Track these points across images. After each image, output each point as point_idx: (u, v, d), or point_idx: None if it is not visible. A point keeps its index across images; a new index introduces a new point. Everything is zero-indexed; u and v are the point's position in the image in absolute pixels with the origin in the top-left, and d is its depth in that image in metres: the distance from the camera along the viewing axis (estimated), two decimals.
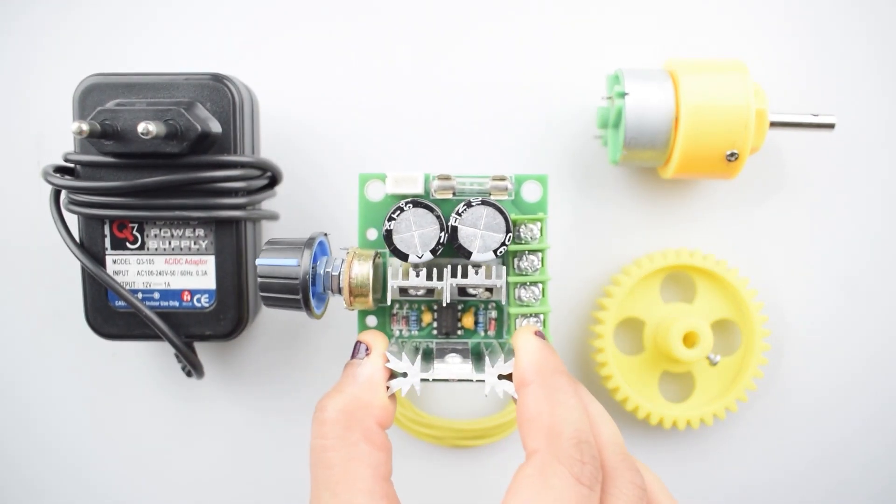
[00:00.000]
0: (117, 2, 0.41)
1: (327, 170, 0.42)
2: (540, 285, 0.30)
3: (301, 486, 0.43)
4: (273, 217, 0.39)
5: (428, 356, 0.28)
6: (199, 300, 0.36)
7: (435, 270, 0.29)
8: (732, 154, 0.37)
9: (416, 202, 0.28)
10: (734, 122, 0.37)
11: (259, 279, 0.28)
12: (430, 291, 0.29)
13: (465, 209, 0.28)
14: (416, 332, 0.31)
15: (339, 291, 0.28)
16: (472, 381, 0.27)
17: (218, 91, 0.35)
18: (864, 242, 0.43)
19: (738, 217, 0.43)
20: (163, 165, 0.35)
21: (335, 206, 0.42)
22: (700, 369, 0.42)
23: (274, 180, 0.38)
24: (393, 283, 0.28)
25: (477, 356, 0.29)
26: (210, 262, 0.36)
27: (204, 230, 0.36)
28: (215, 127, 0.35)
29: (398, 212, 0.28)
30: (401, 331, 0.31)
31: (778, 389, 0.43)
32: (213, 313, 0.36)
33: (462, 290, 0.29)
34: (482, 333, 0.31)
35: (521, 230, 0.30)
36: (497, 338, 0.31)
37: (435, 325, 0.31)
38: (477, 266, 0.28)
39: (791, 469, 0.44)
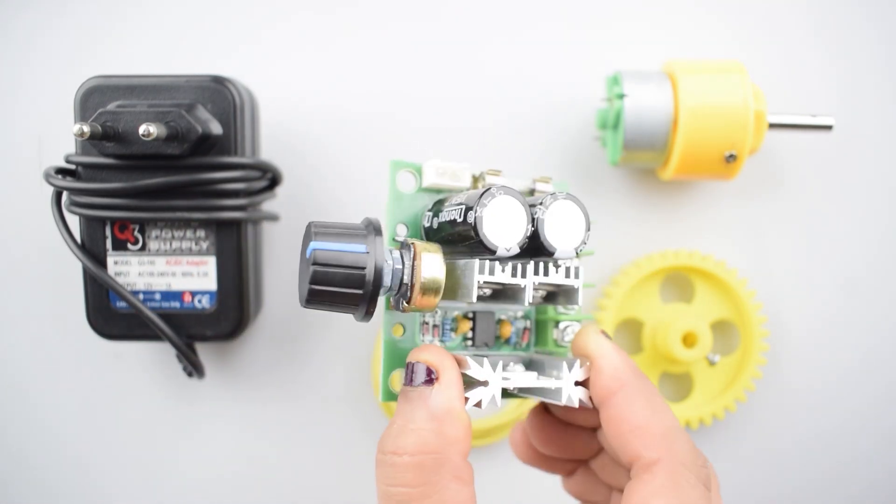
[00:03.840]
0: (118, 4, 0.41)
1: (327, 171, 0.42)
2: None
3: (300, 486, 0.43)
4: (273, 218, 0.39)
5: None
6: (199, 301, 0.37)
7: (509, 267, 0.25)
8: (731, 155, 0.37)
9: (506, 189, 0.24)
10: (733, 123, 0.37)
11: (314, 268, 0.23)
12: (490, 295, 0.27)
13: (551, 202, 0.25)
14: (448, 344, 0.28)
15: (399, 290, 0.25)
16: (550, 388, 0.25)
17: (218, 93, 0.35)
18: (863, 243, 0.43)
19: (737, 218, 0.43)
20: (164, 167, 0.35)
21: (336, 207, 0.42)
22: (699, 369, 0.42)
23: (274, 181, 0.38)
24: (479, 279, 0.24)
25: (529, 367, 0.28)
26: (211, 263, 0.36)
27: (205, 231, 0.36)
28: (216, 128, 0.35)
29: (489, 198, 0.24)
30: (431, 342, 0.28)
31: (776, 390, 0.43)
32: (213, 314, 0.36)
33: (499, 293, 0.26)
34: (513, 345, 0.29)
35: None
36: (526, 350, 0.29)
37: (471, 333, 0.29)
38: (557, 265, 0.25)
39: (790, 469, 0.44)
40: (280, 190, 0.40)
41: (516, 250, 0.24)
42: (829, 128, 0.39)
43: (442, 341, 0.28)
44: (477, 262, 0.24)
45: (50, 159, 0.41)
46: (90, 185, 0.34)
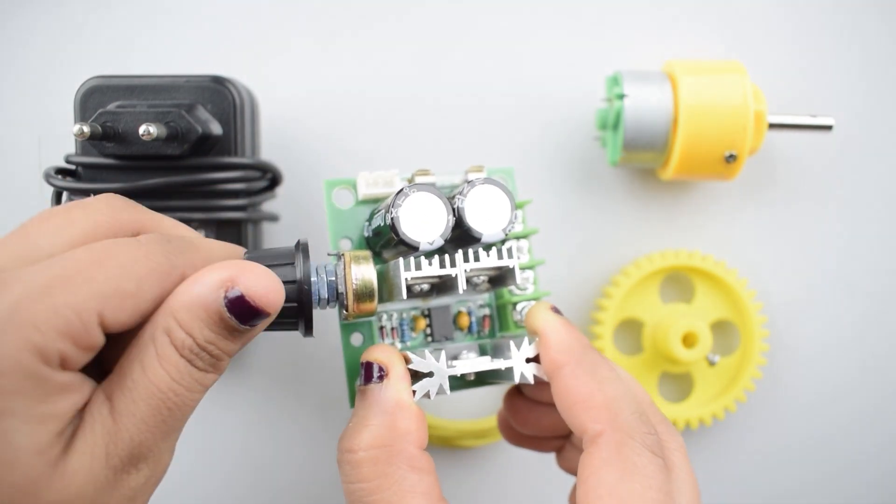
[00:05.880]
0: (118, 4, 0.41)
1: (327, 171, 0.42)
2: (531, 271, 0.29)
3: (299, 486, 0.43)
4: (273, 218, 0.39)
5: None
6: None
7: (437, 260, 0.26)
8: (731, 155, 0.37)
9: (420, 186, 0.25)
10: (733, 123, 0.37)
11: None
12: (430, 290, 0.28)
13: (469, 189, 0.26)
14: (409, 343, 0.29)
15: (337, 300, 0.26)
16: (501, 369, 0.26)
17: (218, 93, 0.35)
18: (863, 243, 0.43)
19: (737, 218, 0.43)
20: (164, 167, 0.35)
21: None
22: (699, 370, 0.42)
23: (274, 181, 0.38)
24: (406, 276, 0.25)
25: (485, 353, 0.28)
26: None
27: (205, 231, 0.36)
28: (216, 129, 0.35)
29: (402, 198, 0.25)
30: (392, 343, 0.29)
31: (776, 390, 0.43)
32: None
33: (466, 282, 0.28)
34: (475, 335, 0.30)
35: None
36: (491, 336, 0.30)
37: (429, 330, 0.30)
38: (487, 248, 0.26)
39: (790, 469, 0.44)
40: (280, 190, 0.40)
41: (440, 243, 0.25)
42: (829, 128, 0.39)
43: (403, 342, 0.29)
44: (401, 260, 0.25)
45: (50, 159, 0.41)
46: (90, 185, 0.34)
